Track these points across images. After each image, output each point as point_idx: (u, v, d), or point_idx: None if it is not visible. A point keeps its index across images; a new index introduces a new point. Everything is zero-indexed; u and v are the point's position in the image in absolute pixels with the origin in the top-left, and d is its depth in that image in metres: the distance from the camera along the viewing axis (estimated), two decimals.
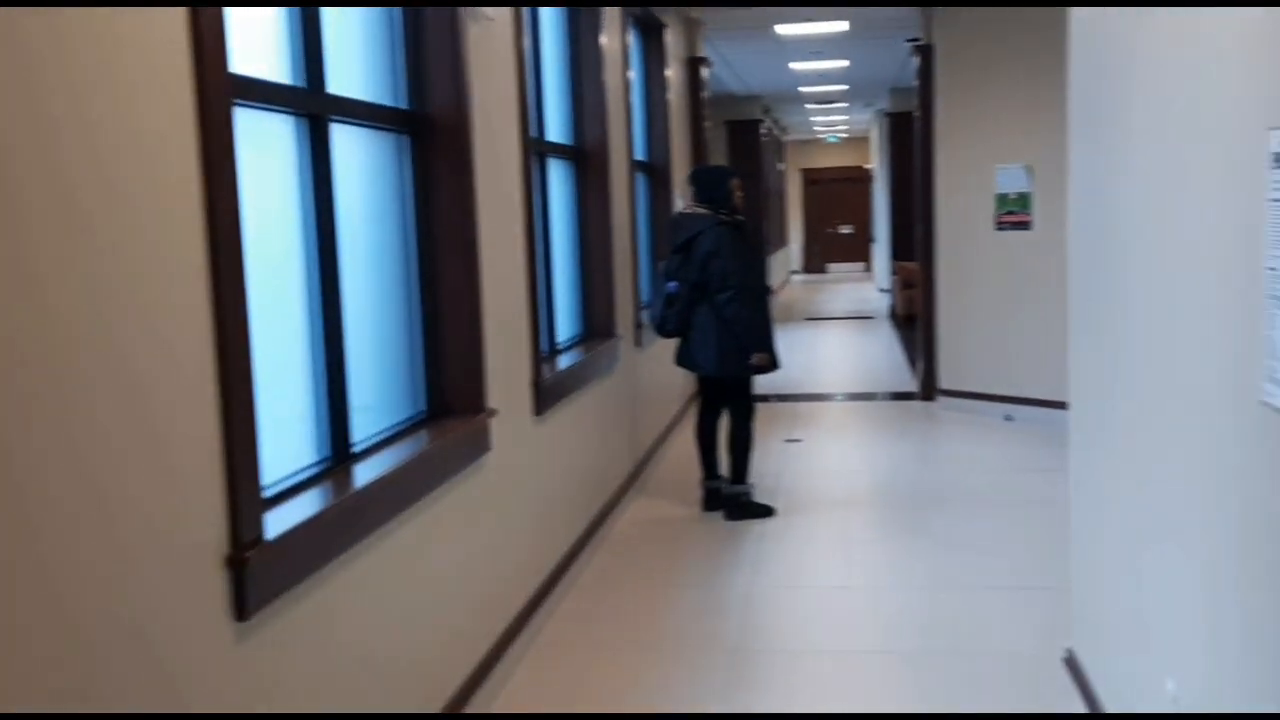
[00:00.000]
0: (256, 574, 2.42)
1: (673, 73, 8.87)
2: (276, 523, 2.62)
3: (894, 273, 16.35)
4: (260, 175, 2.86)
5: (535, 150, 5.03)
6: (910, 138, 16.44)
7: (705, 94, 10.17)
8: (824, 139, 26.50)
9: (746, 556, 5.60)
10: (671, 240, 5.98)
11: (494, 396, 4.15)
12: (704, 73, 10.01)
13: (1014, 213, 8.56)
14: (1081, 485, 4.12)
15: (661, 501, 6.66)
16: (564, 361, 5.39)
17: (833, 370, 11.46)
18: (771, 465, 7.47)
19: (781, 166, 23.76)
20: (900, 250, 16.60)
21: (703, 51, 10.04)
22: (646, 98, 8.25)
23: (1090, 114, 3.94)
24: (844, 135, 26.23)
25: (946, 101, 9.01)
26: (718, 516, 6.22)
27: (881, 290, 20.07)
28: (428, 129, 3.90)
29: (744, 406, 6.07)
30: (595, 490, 5.85)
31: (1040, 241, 8.38)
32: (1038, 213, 8.39)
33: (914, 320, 15.21)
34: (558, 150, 5.80)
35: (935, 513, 6.29)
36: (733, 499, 6.10)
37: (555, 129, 5.83)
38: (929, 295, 9.58)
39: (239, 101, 2.60)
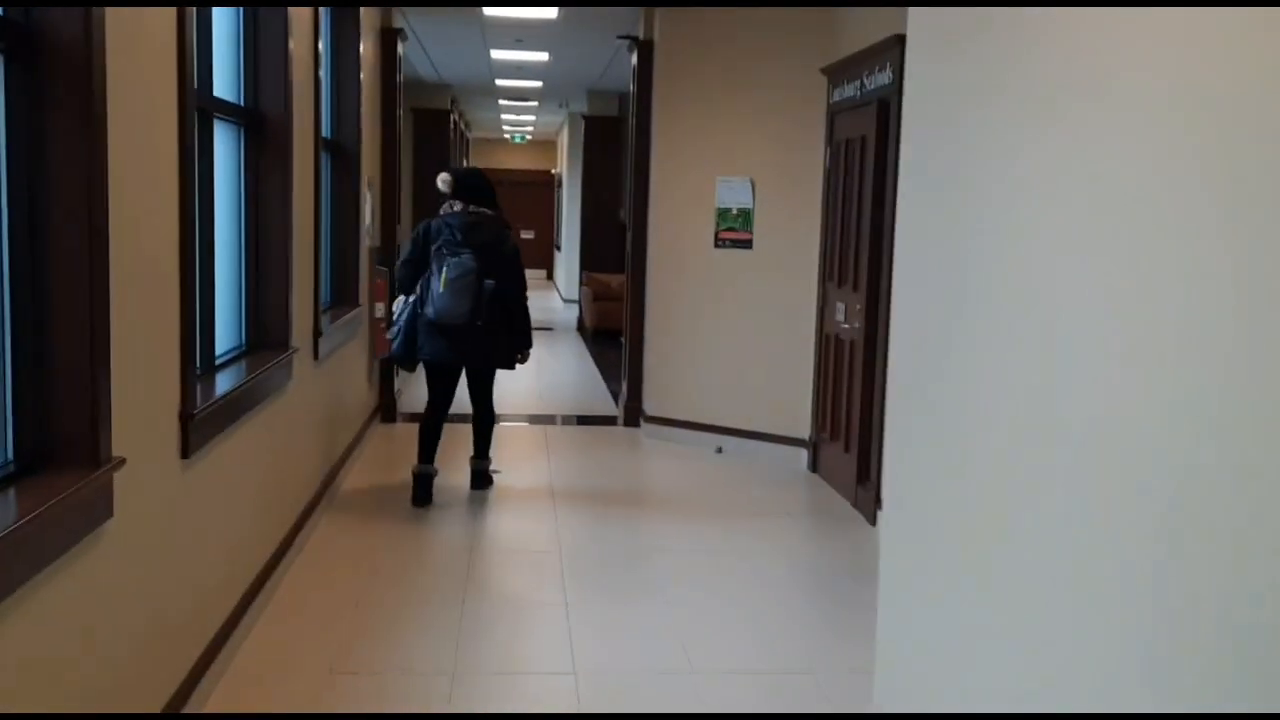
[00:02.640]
0: None
1: (367, 46, 7.70)
2: None
3: (584, 283, 15.68)
4: None
5: (198, 109, 3.80)
6: (609, 143, 15.95)
7: (400, 77, 9.04)
8: (510, 139, 25.66)
9: (445, 657, 4.58)
10: (466, 241, 6.13)
11: (123, 438, 2.95)
12: (399, 49, 8.87)
13: (735, 229, 7.96)
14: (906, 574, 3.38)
15: (347, 541, 5.54)
16: (223, 382, 4.18)
17: (521, 389, 10.46)
18: (461, 510, 6.48)
19: (466, 164, 22.70)
20: (591, 260, 15.98)
21: (398, 23, 8.90)
22: (334, 70, 7.06)
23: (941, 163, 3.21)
24: (529, 137, 25.49)
25: (665, 105, 8.32)
26: (421, 526, 5.17)
27: (567, 301, 19.42)
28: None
29: (491, 392, 6.70)
30: (258, 545, 4.66)
31: (761, 261, 7.83)
32: (760, 230, 7.83)
33: (607, 335, 14.66)
34: (226, 111, 4.57)
35: (657, 568, 5.49)
36: (483, 472, 6.84)
37: (226, 90, 4.61)
38: (637, 313, 8.87)
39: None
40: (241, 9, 4.84)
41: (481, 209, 6.27)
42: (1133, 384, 2.17)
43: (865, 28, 6.58)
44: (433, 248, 6.16)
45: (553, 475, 7.38)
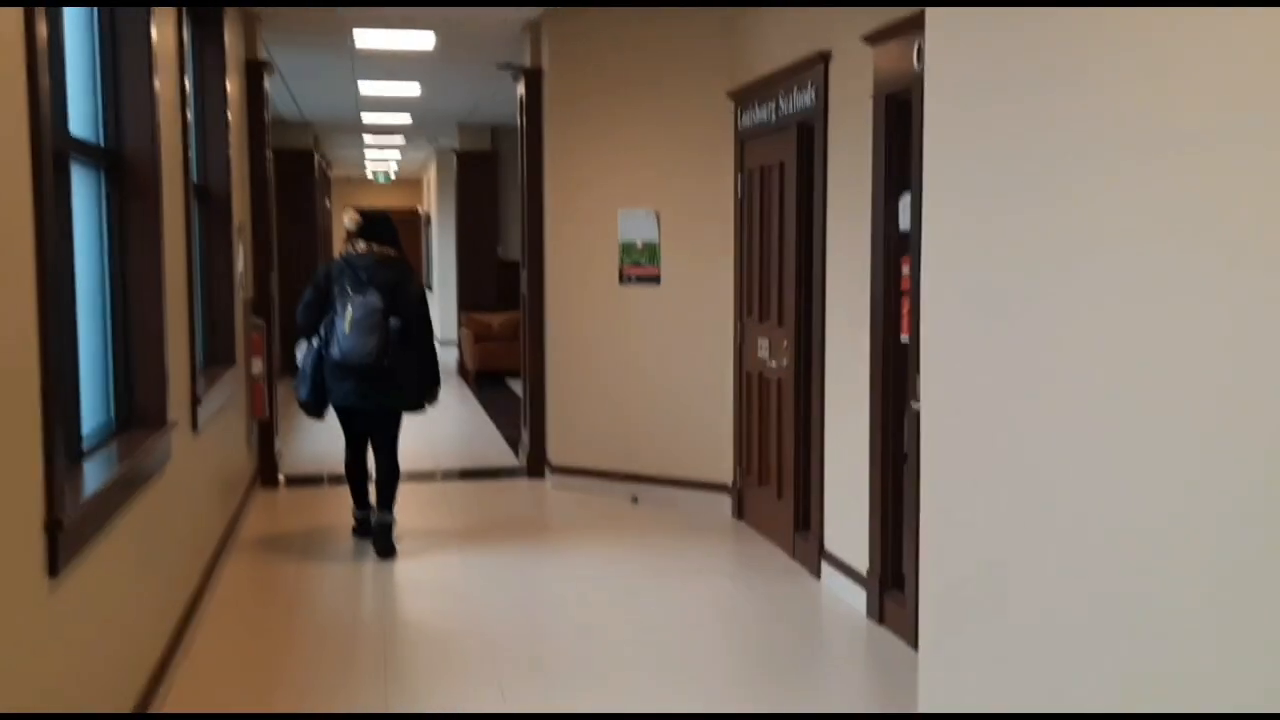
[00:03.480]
0: None
1: (232, 81, 7.03)
2: None
3: (462, 324, 15.05)
4: None
5: (54, 150, 3.14)
6: (484, 177, 15.38)
7: (269, 114, 8.37)
8: (374, 178, 24.84)
9: None
10: (371, 280, 6.03)
11: None
12: (267, 84, 8.20)
13: (640, 264, 7.49)
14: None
15: (237, 640, 4.86)
16: (94, 475, 3.51)
17: (407, 442, 9.64)
18: (366, 588, 5.84)
19: (328, 204, 21.83)
20: (469, 299, 15.35)
21: (263, 55, 8.23)
22: (200, 106, 6.39)
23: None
24: (394, 175, 24.71)
25: (558, 135, 7.82)
26: (319, 615, 4.54)
27: (443, 343, 18.68)
28: None
29: (397, 440, 6.43)
30: (136, 663, 3.98)
31: (671, 297, 7.37)
32: (668, 265, 7.38)
33: (491, 378, 14.04)
34: (85, 153, 3.91)
35: (595, 647, 4.95)
36: (385, 527, 6.31)
37: (82, 127, 3.95)
38: (537, 355, 8.33)
39: None
40: (98, 31, 4.18)
41: (386, 249, 6.21)
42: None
43: (776, 47, 6.20)
44: (335, 289, 6.05)
45: (458, 539, 6.77)
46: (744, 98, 6.72)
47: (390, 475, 6.37)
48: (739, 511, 7.01)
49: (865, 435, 5.16)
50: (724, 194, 7.07)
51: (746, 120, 6.71)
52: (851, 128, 5.32)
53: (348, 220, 6.29)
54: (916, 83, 4.55)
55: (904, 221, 4.86)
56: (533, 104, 8.20)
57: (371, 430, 6.37)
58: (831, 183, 5.57)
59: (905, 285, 4.85)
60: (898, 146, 4.89)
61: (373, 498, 6.46)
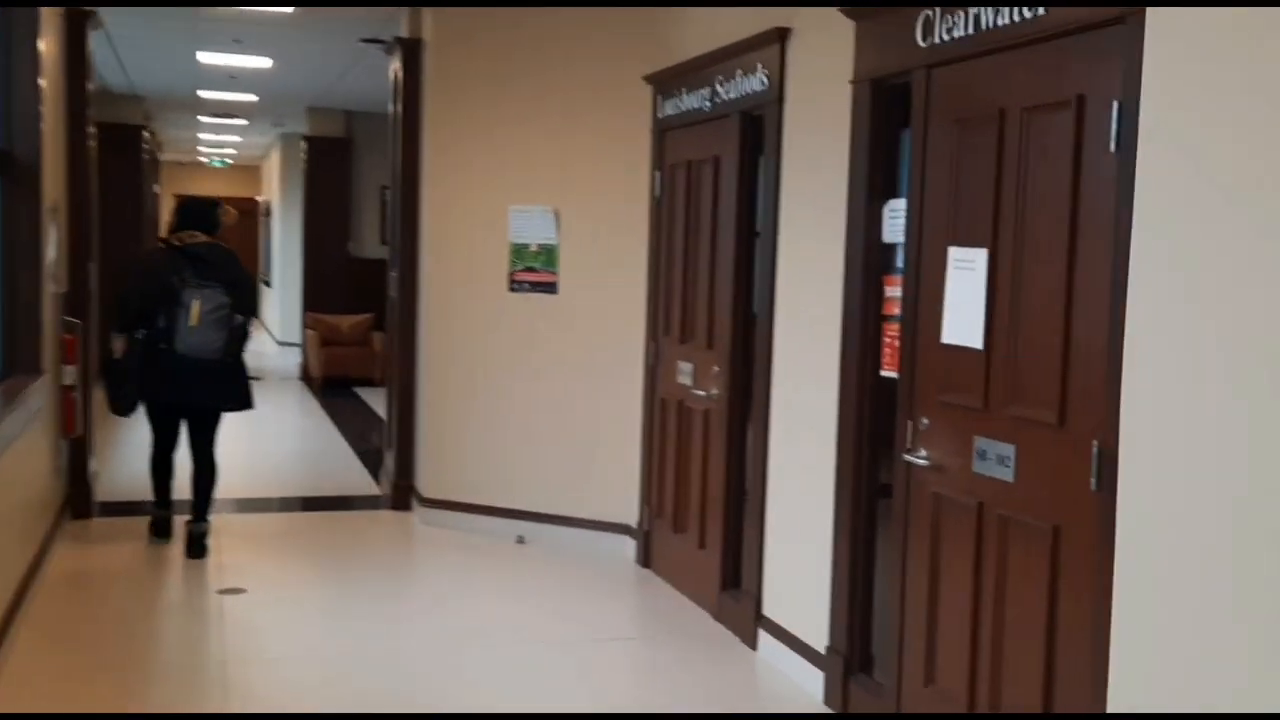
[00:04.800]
0: None
1: (49, 35, 5.77)
2: None
3: (307, 325, 13.76)
4: None
5: None
6: (336, 166, 14.09)
7: (94, 81, 7.11)
8: (208, 163, 23.08)
9: None
10: (212, 274, 5.86)
11: None
12: (90, 42, 6.92)
13: (535, 269, 6.52)
14: None
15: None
16: None
17: (237, 460, 8.11)
18: (193, 660, 4.73)
19: (157, 189, 20.08)
20: (316, 299, 14.05)
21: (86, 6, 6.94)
22: (5, 63, 5.17)
23: None
24: (231, 161, 23.03)
25: (440, 118, 6.78)
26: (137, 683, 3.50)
27: (283, 344, 17.27)
28: None
29: (215, 441, 6.21)
30: None
31: (570, 308, 6.42)
32: (567, 271, 6.42)
33: (339, 385, 12.78)
34: None
35: None
36: (204, 535, 6.10)
37: None
38: (407, 369, 7.26)
39: None
40: None
41: (217, 241, 6.08)
42: None
43: (713, 23, 5.32)
44: (174, 279, 5.78)
45: (302, 587, 5.68)
46: (667, 82, 5.83)
47: (212, 476, 6.23)
48: (645, 558, 6.10)
49: (828, 485, 4.31)
50: (637, 192, 6.16)
51: (669, 108, 5.81)
52: (817, 119, 4.47)
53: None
54: (921, 66, 3.73)
55: (890, 233, 4.03)
56: (410, 81, 7.13)
57: (195, 429, 6.16)
58: (787, 184, 4.71)
59: (890, 309, 4.02)
60: (886, 143, 4.06)
61: (176, 499, 6.27)
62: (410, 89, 7.12)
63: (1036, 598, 3.21)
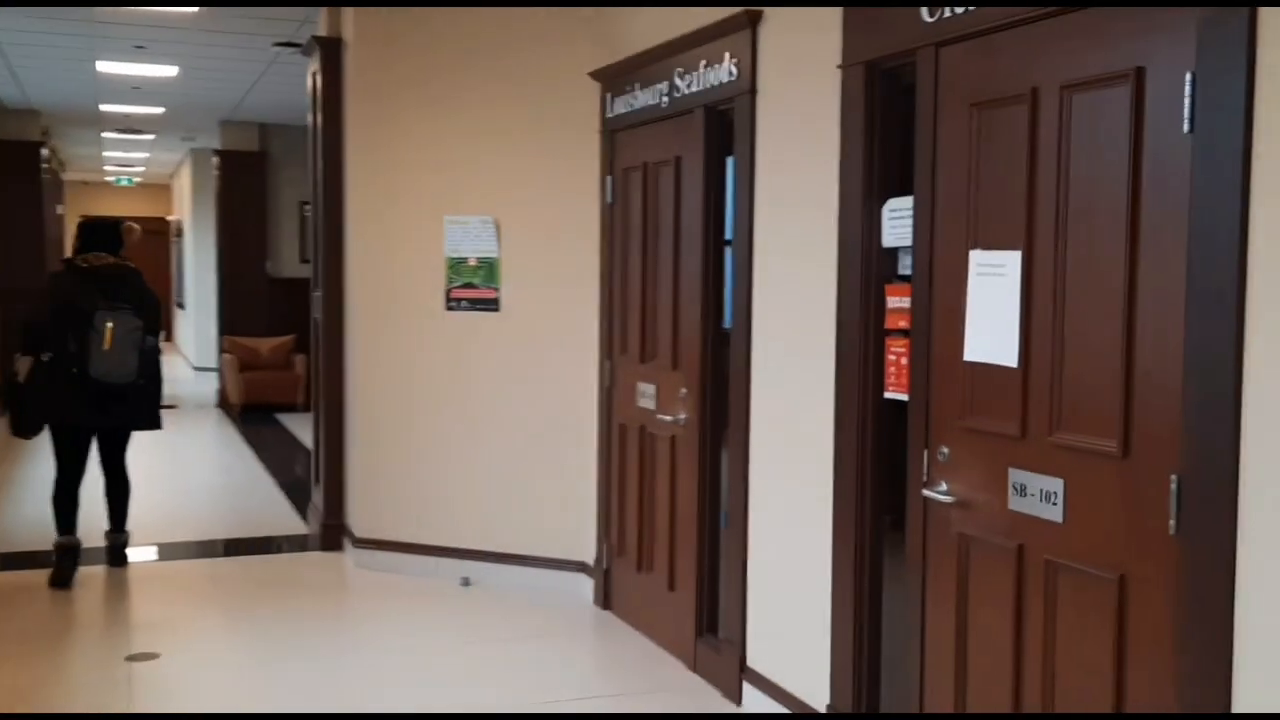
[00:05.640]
0: None
1: None
2: None
3: (224, 349, 13.01)
4: None
5: None
6: (251, 182, 13.34)
7: None
8: (115, 182, 22.09)
9: None
10: (122, 295, 5.82)
11: None
12: None
13: (474, 285, 5.96)
14: None
15: None
16: None
17: (151, 495, 7.58)
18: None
19: (61, 210, 19.10)
20: (233, 322, 13.29)
21: None
22: None
23: None
24: (139, 179, 22.06)
25: (366, 123, 6.19)
26: None
27: (199, 369, 16.45)
28: None
29: (126, 456, 6.18)
30: None
31: (515, 326, 5.87)
32: (510, 286, 5.87)
33: (259, 412, 12.06)
34: None
35: None
36: (124, 544, 6.23)
37: None
38: (335, 397, 6.65)
39: None
40: None
41: (125, 260, 6.00)
42: None
43: (669, 12, 4.82)
44: (84, 303, 5.68)
45: (228, 648, 5.06)
46: (617, 78, 5.31)
47: (126, 487, 6.22)
48: (605, 599, 5.56)
49: (824, 520, 3.82)
50: (587, 198, 5.63)
51: (620, 106, 5.30)
52: (798, 111, 3.99)
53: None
54: (929, 44, 3.25)
55: (891, 237, 3.55)
56: (330, 84, 6.54)
57: (106, 447, 6.10)
58: (763, 185, 4.21)
59: (895, 323, 3.54)
60: (886, 135, 3.58)
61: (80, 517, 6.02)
62: (331, 93, 6.52)
63: (1098, 657, 2.74)
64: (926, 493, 3.27)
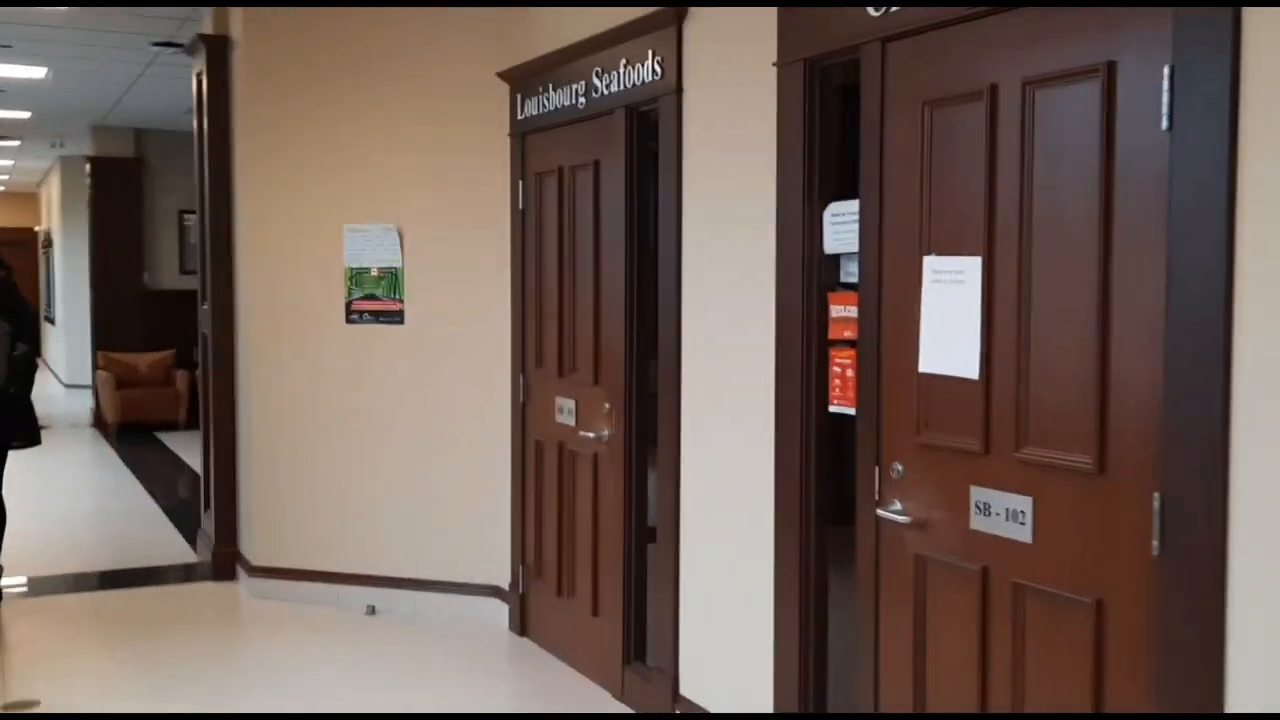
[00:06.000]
0: None
1: None
2: None
3: (99, 366, 12.37)
4: None
5: None
6: (125, 190, 12.71)
7: None
8: None
9: None
10: None
11: None
12: None
13: (376, 296, 5.66)
14: None
15: None
16: None
17: (22, 524, 6.74)
18: None
19: None
20: (108, 337, 12.65)
21: None
22: None
23: None
24: (2, 188, 21.04)
25: (257, 127, 5.83)
26: None
27: (71, 387, 15.68)
28: None
29: (1, 479, 5.79)
30: None
31: (421, 340, 5.58)
32: (415, 298, 5.59)
33: (137, 431, 11.49)
34: None
35: None
36: None
37: None
38: (225, 416, 6.27)
39: None
40: None
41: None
42: None
43: (584, 10, 4.60)
44: None
45: (112, 690, 4.66)
46: (528, 79, 5.07)
47: (3, 518, 5.83)
48: (521, 625, 5.30)
49: (763, 539, 3.63)
50: (496, 205, 5.38)
51: (532, 108, 5.06)
52: (730, 111, 3.80)
53: None
54: (874, 39, 3.09)
55: (834, 243, 3.38)
56: (217, 85, 6.18)
57: None
58: (692, 189, 4.02)
59: (839, 333, 3.37)
60: (826, 136, 3.41)
61: None
62: (218, 95, 6.17)
63: (1072, 685, 2.60)
64: (880, 512, 3.10)
